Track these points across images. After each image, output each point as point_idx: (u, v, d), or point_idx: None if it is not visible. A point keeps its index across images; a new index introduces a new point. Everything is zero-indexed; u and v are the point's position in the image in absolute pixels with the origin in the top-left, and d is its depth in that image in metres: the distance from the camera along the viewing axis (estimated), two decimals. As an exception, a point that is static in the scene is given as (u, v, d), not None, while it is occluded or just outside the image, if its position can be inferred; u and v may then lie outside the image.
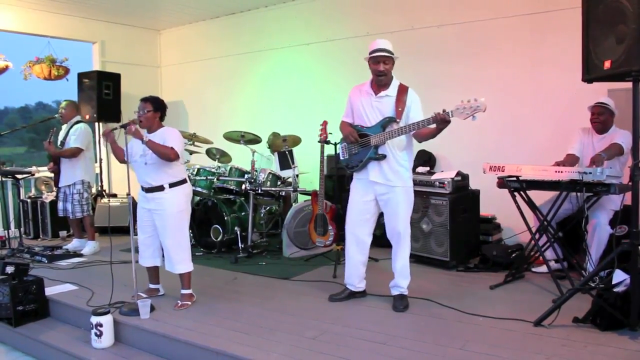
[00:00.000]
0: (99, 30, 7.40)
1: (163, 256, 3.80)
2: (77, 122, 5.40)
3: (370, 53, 3.44)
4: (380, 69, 3.39)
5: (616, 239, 3.58)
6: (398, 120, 3.41)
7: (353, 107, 3.63)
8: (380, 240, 4.20)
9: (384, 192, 3.49)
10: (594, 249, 3.82)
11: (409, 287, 3.60)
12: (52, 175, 5.72)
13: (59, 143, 5.34)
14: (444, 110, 3.15)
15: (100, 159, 7.09)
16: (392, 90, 3.47)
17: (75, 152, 5.25)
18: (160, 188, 3.64)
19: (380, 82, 3.46)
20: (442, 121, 3.17)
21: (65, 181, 5.33)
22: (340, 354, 2.81)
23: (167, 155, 3.58)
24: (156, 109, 3.70)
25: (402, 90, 3.46)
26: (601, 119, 4.01)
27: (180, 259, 3.69)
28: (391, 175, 3.46)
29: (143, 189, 3.71)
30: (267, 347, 2.92)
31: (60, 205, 5.42)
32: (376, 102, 3.50)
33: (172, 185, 3.67)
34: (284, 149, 5.44)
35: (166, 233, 3.66)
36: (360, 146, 3.53)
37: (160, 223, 3.67)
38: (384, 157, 3.45)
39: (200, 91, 7.75)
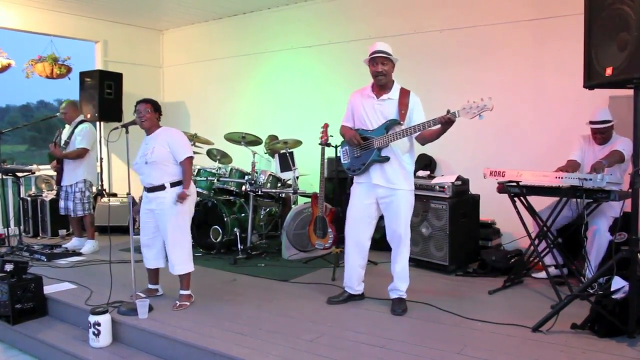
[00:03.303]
0: (101, 30, 7.41)
1: (166, 257, 3.79)
2: (81, 121, 5.40)
3: (369, 55, 3.46)
4: (379, 69, 3.41)
5: (615, 246, 3.57)
6: (402, 122, 3.42)
7: (354, 110, 3.63)
8: (380, 244, 4.20)
9: (386, 195, 3.49)
10: (593, 255, 3.82)
11: (408, 291, 3.59)
12: (52, 173, 5.71)
13: (62, 143, 5.34)
14: (449, 111, 3.16)
15: (101, 159, 7.09)
16: (394, 93, 3.48)
17: (82, 153, 5.25)
18: (162, 187, 3.64)
19: (380, 82, 3.46)
20: (447, 122, 3.18)
21: (68, 180, 5.32)
22: (338, 357, 2.81)
23: (188, 166, 3.70)
24: (155, 109, 3.74)
25: (404, 93, 3.47)
26: (605, 136, 4.03)
27: (180, 260, 3.67)
28: (394, 177, 3.46)
29: (146, 189, 3.71)
30: (265, 349, 2.92)
31: (61, 203, 5.42)
32: (378, 104, 3.50)
33: (173, 184, 3.66)
34: (284, 150, 5.45)
35: (166, 233, 3.65)
36: (362, 149, 3.53)
37: (161, 223, 3.67)
38: (387, 159, 3.44)
39: (202, 92, 7.75)
